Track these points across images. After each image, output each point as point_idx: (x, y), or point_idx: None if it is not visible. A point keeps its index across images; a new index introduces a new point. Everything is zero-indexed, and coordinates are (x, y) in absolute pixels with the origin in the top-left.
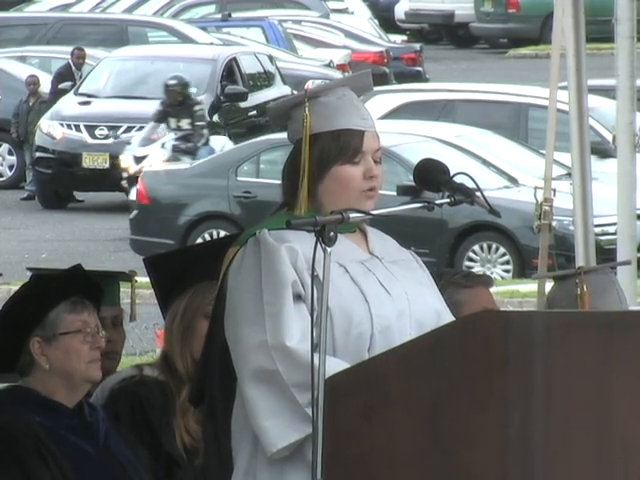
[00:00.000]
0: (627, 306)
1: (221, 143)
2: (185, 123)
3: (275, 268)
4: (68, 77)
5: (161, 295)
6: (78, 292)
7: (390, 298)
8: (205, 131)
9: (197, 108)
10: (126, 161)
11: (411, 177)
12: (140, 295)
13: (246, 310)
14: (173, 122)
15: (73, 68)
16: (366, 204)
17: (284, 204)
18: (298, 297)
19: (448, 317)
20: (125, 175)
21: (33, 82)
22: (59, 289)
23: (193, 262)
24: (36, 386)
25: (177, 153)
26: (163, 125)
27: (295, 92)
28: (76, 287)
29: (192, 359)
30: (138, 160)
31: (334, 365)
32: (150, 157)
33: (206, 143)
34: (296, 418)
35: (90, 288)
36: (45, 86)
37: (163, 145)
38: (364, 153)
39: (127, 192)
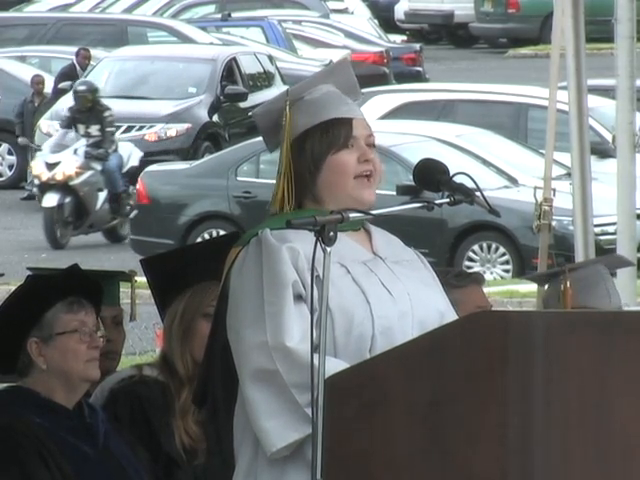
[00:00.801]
0: (617, 299)
1: (128, 150)
2: (94, 129)
3: (276, 268)
4: (72, 77)
5: (159, 296)
6: (75, 292)
7: (392, 299)
8: (114, 137)
9: (107, 114)
10: (38, 168)
11: (411, 177)
12: (140, 295)
13: (247, 310)
14: (82, 128)
15: (77, 68)
16: (365, 193)
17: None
18: (299, 297)
19: (452, 317)
20: (37, 182)
21: (39, 82)
22: (55, 289)
23: (191, 262)
24: (35, 387)
25: (89, 159)
26: (73, 131)
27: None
28: (73, 287)
29: (192, 360)
30: (50, 167)
31: (334, 365)
32: (62, 163)
33: (115, 150)
34: (296, 418)
35: (89, 287)
36: (48, 86)
37: (75, 151)
38: (355, 138)
39: (39, 200)
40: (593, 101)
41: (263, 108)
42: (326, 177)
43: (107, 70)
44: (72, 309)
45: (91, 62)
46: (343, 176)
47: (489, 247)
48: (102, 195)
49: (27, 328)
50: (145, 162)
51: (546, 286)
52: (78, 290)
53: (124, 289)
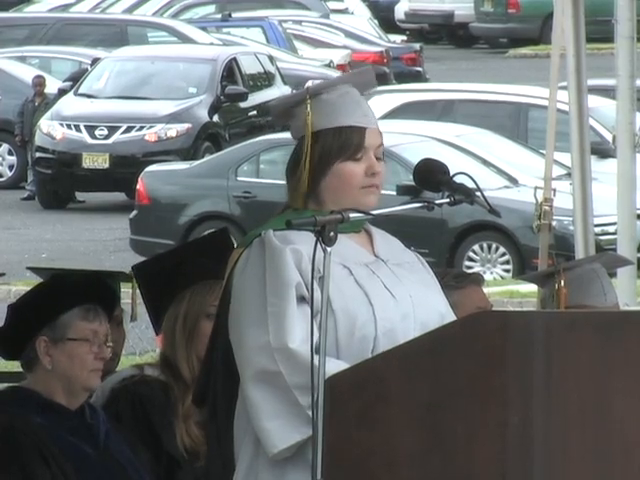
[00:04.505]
0: (613, 297)
1: None
2: None
3: (279, 270)
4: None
5: (155, 301)
6: (93, 299)
7: (394, 301)
8: None
9: None
10: None
11: (411, 177)
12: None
13: (250, 311)
14: None
15: None
16: (368, 199)
17: (290, 203)
18: (302, 299)
19: (451, 319)
20: None
21: (39, 83)
22: (75, 293)
23: (182, 265)
24: (36, 386)
25: None
26: None
27: (295, 92)
28: (92, 294)
29: (198, 362)
30: None
31: (335, 367)
32: None
33: None
34: (297, 420)
35: (106, 296)
36: (49, 86)
37: None
38: (366, 149)
39: None
40: (593, 101)
41: (279, 100)
42: (331, 182)
43: (107, 70)
44: (88, 317)
45: (85, 60)
46: (348, 186)
47: (489, 247)
48: None
49: (39, 325)
50: (145, 162)
51: (544, 287)
52: (96, 297)
53: (124, 289)
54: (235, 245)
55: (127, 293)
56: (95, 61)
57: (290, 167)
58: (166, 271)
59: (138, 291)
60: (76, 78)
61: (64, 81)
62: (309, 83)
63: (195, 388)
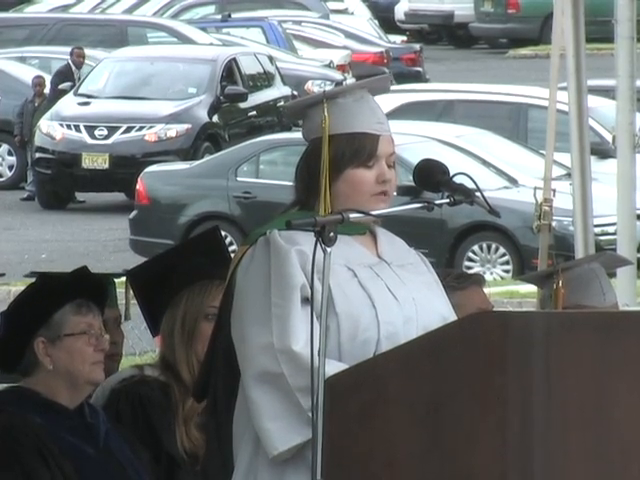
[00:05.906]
0: (612, 296)
1: None
2: None
3: (284, 271)
4: (68, 76)
5: (149, 305)
6: (83, 294)
7: (397, 304)
8: None
9: None
10: None
11: (411, 177)
12: None
13: (253, 310)
14: None
15: (73, 68)
16: (377, 207)
17: (296, 202)
18: (306, 300)
19: None
20: None
21: (39, 83)
22: (64, 290)
23: (175, 267)
24: (37, 387)
25: None
26: None
27: (295, 93)
28: (81, 289)
29: (198, 363)
30: None
31: (335, 369)
32: None
33: None
34: (299, 422)
35: (96, 290)
36: (49, 87)
37: None
38: (378, 157)
39: None
40: (593, 101)
41: (294, 102)
42: (341, 187)
43: (107, 71)
44: (81, 311)
45: (86, 62)
46: (358, 193)
47: (489, 247)
48: None
49: (35, 327)
50: (145, 162)
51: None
52: (86, 292)
53: (119, 289)
54: (227, 243)
55: (121, 293)
56: (72, 52)
57: (301, 168)
58: (161, 273)
59: (132, 292)
60: (62, 72)
61: (52, 78)
62: (309, 84)
63: (195, 383)
